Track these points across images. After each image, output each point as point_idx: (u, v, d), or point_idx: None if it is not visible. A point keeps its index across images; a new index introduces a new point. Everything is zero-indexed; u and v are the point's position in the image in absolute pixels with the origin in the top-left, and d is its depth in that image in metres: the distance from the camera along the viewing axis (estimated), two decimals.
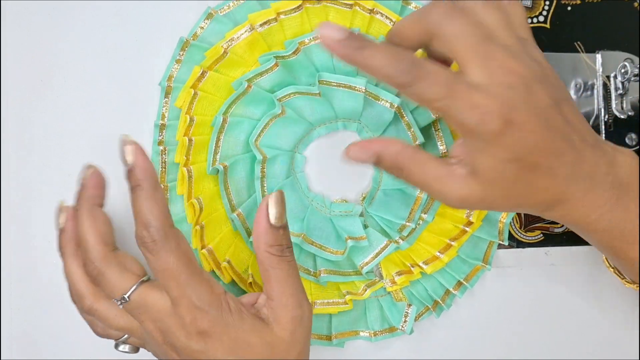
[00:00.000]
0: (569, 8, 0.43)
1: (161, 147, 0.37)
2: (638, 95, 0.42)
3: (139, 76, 0.38)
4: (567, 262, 0.42)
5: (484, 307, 0.41)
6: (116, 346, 0.34)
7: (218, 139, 0.36)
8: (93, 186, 0.32)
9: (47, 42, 0.37)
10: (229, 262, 0.36)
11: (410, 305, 0.39)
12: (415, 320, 0.39)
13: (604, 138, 0.42)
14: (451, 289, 0.39)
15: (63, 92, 0.38)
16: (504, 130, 0.28)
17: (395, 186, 0.39)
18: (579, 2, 0.43)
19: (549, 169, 0.29)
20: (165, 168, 0.37)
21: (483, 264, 0.39)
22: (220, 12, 0.37)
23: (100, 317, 0.31)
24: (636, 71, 0.40)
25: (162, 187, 0.37)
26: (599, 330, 0.42)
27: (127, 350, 0.33)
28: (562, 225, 0.42)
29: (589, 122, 0.43)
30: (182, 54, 0.37)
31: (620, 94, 0.42)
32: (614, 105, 0.42)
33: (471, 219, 0.38)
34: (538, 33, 0.42)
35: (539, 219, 0.42)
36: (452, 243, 0.38)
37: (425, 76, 0.27)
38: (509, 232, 0.41)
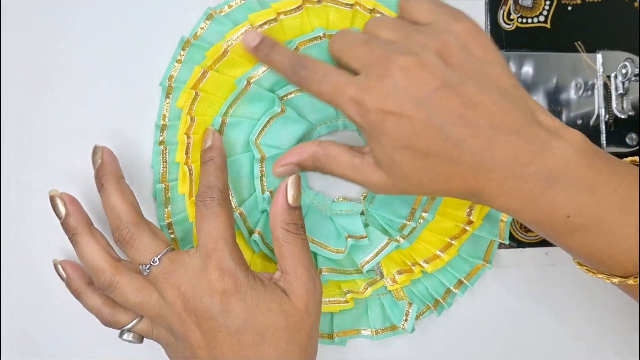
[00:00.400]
0: (570, 8, 0.43)
1: (162, 147, 0.37)
2: (638, 95, 0.42)
3: (139, 76, 0.38)
4: (567, 262, 0.42)
5: (485, 307, 0.41)
6: (120, 334, 0.34)
7: None
8: (111, 162, 0.34)
9: (47, 42, 0.37)
10: None
11: (411, 304, 0.38)
12: (417, 319, 0.39)
13: (604, 138, 0.42)
14: (452, 288, 0.39)
15: (63, 92, 0.37)
16: (382, 120, 0.29)
17: None
18: (579, 2, 0.43)
19: (446, 157, 0.29)
20: (166, 168, 0.37)
21: (484, 263, 0.39)
22: (221, 13, 0.37)
23: (120, 291, 0.32)
24: (636, 71, 0.40)
25: (164, 186, 0.37)
26: (599, 330, 0.42)
27: (131, 339, 0.34)
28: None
29: (589, 122, 0.43)
30: (183, 54, 0.37)
31: (621, 94, 0.42)
32: (614, 105, 0.42)
33: (472, 217, 0.38)
34: (538, 33, 0.42)
35: None
36: (453, 242, 0.38)
37: (315, 75, 0.31)
38: (510, 231, 0.41)
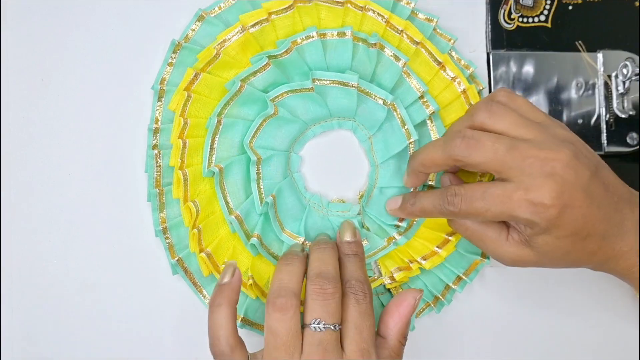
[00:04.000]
0: (570, 7, 0.43)
1: (155, 151, 0.37)
2: (639, 94, 0.42)
3: (132, 80, 0.38)
4: None
5: (485, 307, 0.41)
6: None
7: (213, 141, 0.36)
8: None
9: (47, 42, 0.37)
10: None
11: None
12: (416, 316, 0.39)
13: (605, 137, 0.42)
14: (451, 284, 0.39)
15: (62, 93, 0.37)
16: (561, 213, 0.31)
17: (391, 184, 0.39)
18: (580, 1, 0.43)
19: (600, 235, 0.33)
20: (160, 172, 0.37)
21: (482, 259, 0.39)
22: (211, 14, 0.37)
23: None
24: (637, 70, 0.40)
25: (158, 191, 0.37)
26: (599, 330, 0.42)
27: None
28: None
29: (590, 121, 0.43)
30: (174, 57, 0.37)
31: (622, 93, 0.42)
32: (615, 105, 0.42)
33: None
34: (539, 32, 0.42)
35: None
36: (450, 238, 0.38)
37: (473, 195, 0.33)
38: None
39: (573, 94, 0.42)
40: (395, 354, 0.33)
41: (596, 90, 0.42)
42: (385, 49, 0.37)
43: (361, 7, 0.38)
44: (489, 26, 0.42)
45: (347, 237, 0.36)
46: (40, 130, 0.37)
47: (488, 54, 0.42)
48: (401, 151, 0.38)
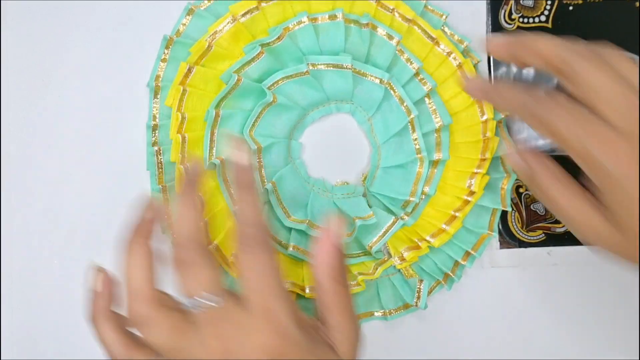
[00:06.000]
0: (571, 8, 0.43)
1: (155, 148, 0.37)
2: None
3: (132, 79, 0.38)
4: (569, 262, 0.42)
5: (485, 307, 0.41)
6: None
7: (212, 134, 0.36)
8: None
9: (47, 42, 0.37)
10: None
11: (422, 280, 0.38)
12: (428, 294, 0.39)
13: None
14: (460, 260, 0.39)
15: (62, 93, 0.38)
16: None
17: (394, 162, 0.39)
18: (580, 2, 0.43)
19: None
20: (162, 169, 0.37)
21: (489, 232, 0.39)
22: (201, 7, 0.37)
23: (154, 327, 0.28)
24: None
25: (161, 187, 0.37)
26: (599, 330, 0.42)
27: None
28: (564, 225, 0.42)
29: None
30: (167, 52, 0.37)
31: None
32: None
33: (473, 188, 0.38)
34: (540, 33, 0.42)
35: (541, 219, 0.42)
36: (457, 214, 0.38)
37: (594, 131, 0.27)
38: (511, 232, 0.41)
39: None
40: (331, 292, 0.29)
41: None
42: (378, 29, 0.37)
43: None
44: (490, 27, 0.42)
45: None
46: (40, 130, 0.37)
47: (488, 54, 0.42)
48: (401, 129, 0.38)
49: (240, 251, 0.28)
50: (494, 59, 0.41)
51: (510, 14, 0.42)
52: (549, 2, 0.42)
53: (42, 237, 0.37)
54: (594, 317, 0.42)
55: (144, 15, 0.38)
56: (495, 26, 0.42)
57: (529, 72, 0.42)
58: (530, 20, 0.42)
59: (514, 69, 0.42)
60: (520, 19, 0.42)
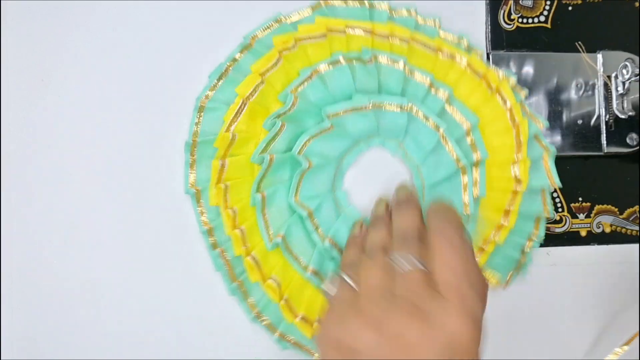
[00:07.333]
0: (570, 8, 0.43)
1: (218, 250, 0.37)
2: (639, 95, 0.42)
3: (132, 79, 0.38)
4: (568, 262, 0.42)
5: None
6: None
7: (264, 215, 0.37)
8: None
9: (47, 42, 0.37)
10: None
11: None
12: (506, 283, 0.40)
13: (605, 138, 0.42)
14: (526, 246, 0.40)
15: (62, 93, 0.37)
16: None
17: (437, 178, 0.39)
18: (579, 2, 0.43)
19: None
20: (230, 265, 0.38)
21: (544, 214, 0.40)
22: (207, 99, 0.38)
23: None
24: (637, 71, 0.40)
25: (235, 284, 0.38)
26: (599, 329, 0.42)
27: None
28: (564, 225, 0.42)
29: (589, 122, 0.43)
30: (194, 157, 0.37)
31: (621, 94, 0.42)
32: (615, 105, 0.42)
33: (518, 176, 0.39)
34: (539, 33, 0.42)
35: None
36: (510, 208, 0.39)
37: None
38: None
39: (573, 94, 0.42)
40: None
41: (596, 91, 0.42)
42: (380, 57, 0.38)
43: (342, 30, 0.38)
44: (489, 27, 0.42)
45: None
46: (40, 130, 0.37)
47: (488, 55, 0.42)
48: (435, 145, 0.38)
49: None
50: (493, 55, 0.42)
51: (509, 14, 0.42)
52: (549, 2, 0.42)
53: (42, 237, 0.37)
54: (593, 317, 0.42)
55: (144, 16, 0.38)
56: (495, 27, 0.42)
57: (528, 72, 0.42)
58: (530, 20, 0.42)
59: (513, 70, 0.42)
60: (520, 19, 0.42)
